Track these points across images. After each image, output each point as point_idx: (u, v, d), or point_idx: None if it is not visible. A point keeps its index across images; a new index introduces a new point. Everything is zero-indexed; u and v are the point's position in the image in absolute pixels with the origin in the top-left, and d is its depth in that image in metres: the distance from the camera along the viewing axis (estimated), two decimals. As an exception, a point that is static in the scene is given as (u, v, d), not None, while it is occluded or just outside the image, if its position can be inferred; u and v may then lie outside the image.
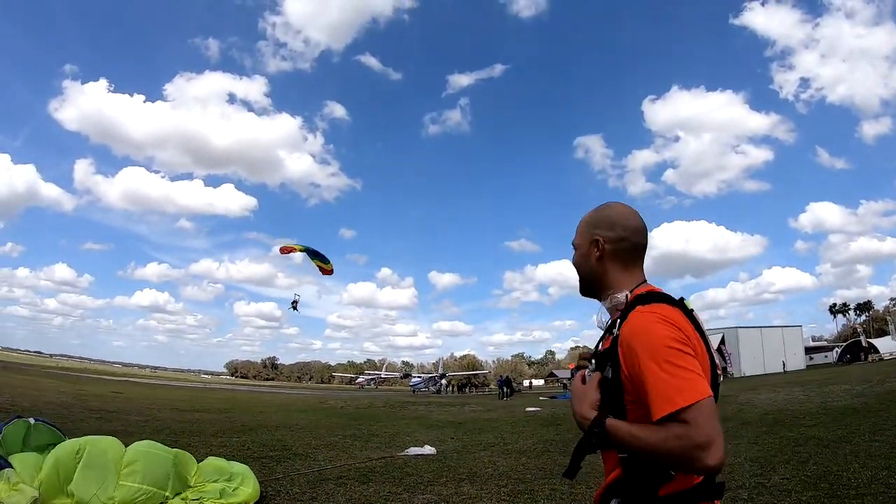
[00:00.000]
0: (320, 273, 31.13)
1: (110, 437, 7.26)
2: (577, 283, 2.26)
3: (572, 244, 2.26)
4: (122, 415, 18.72)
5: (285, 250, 29.89)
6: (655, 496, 1.84)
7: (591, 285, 2.21)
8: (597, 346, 2.16)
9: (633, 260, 2.17)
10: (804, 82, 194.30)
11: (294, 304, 32.88)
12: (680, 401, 1.69)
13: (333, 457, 11.64)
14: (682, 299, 2.04)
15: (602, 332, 2.15)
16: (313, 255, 29.33)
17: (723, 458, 1.66)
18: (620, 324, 1.95)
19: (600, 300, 2.19)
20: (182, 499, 6.75)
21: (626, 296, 2.05)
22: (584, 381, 2.05)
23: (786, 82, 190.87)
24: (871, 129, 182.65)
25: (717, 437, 1.65)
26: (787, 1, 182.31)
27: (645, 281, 2.16)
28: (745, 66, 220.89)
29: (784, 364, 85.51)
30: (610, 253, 2.14)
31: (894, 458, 8.80)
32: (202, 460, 7.80)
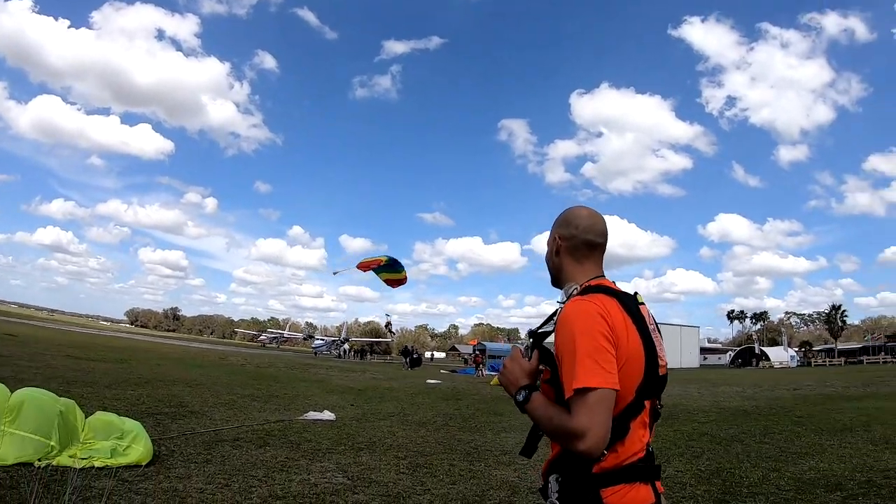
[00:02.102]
0: (387, 286, 29.57)
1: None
2: (551, 276, 2.44)
3: (546, 244, 2.46)
4: (14, 360, 17.86)
5: (366, 266, 28.09)
6: (589, 473, 1.96)
7: (556, 278, 2.39)
8: (539, 327, 2.27)
9: (584, 256, 2.32)
10: (731, 100, 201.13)
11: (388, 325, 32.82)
12: (574, 385, 1.87)
13: (231, 417, 11.32)
14: (635, 293, 2.26)
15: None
16: (389, 267, 28.29)
17: (592, 449, 1.83)
18: (556, 312, 2.18)
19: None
20: (70, 456, 6.33)
21: (576, 288, 2.21)
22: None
23: (713, 98, 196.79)
24: (787, 154, 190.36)
25: (593, 427, 1.82)
26: (726, 21, 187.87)
27: (600, 275, 2.31)
28: (677, 75, 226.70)
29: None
30: (565, 249, 2.34)
31: (783, 460, 9.08)
32: (93, 414, 7.36)
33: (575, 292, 2.18)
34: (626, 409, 1.98)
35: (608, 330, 1.97)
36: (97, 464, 6.29)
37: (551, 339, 2.15)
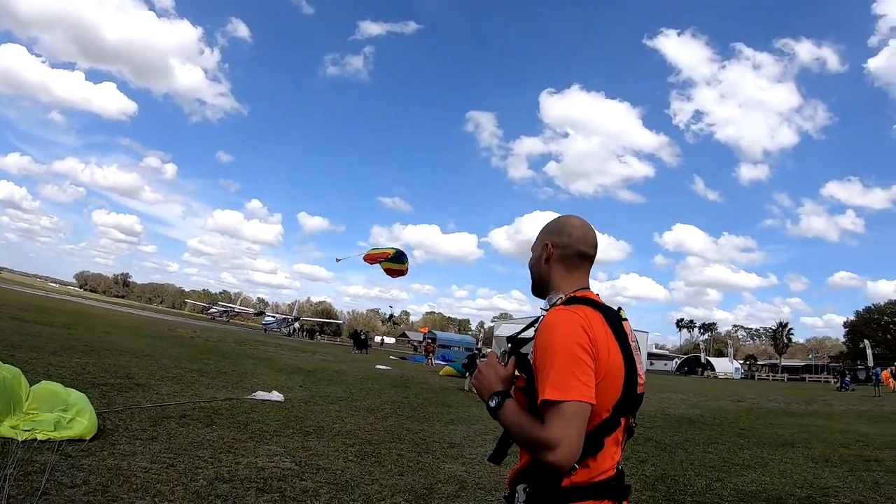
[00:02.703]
0: (387, 274, 29.86)
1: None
2: (533, 284, 2.40)
3: (531, 249, 2.40)
4: (-45, 319, 17.39)
5: (373, 259, 28.09)
6: (558, 486, 1.91)
7: (539, 286, 2.33)
8: (518, 333, 2.30)
9: (575, 266, 2.27)
10: (698, 115, 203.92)
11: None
12: (549, 394, 1.81)
13: (178, 392, 11.12)
14: (619, 309, 2.18)
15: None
16: (395, 259, 28.47)
17: (562, 461, 1.77)
18: (537, 319, 2.13)
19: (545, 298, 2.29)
20: (12, 427, 6.15)
21: (561, 297, 2.17)
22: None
23: (681, 110, 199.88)
24: (748, 173, 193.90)
25: (564, 440, 1.76)
26: (701, 38, 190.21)
27: (586, 287, 2.26)
28: (647, 85, 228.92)
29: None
30: (556, 258, 2.27)
31: (726, 471, 9.24)
32: (37, 382, 7.17)
33: (559, 302, 2.13)
34: (601, 424, 1.93)
35: (589, 343, 1.90)
36: (40, 436, 6.10)
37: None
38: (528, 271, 2.40)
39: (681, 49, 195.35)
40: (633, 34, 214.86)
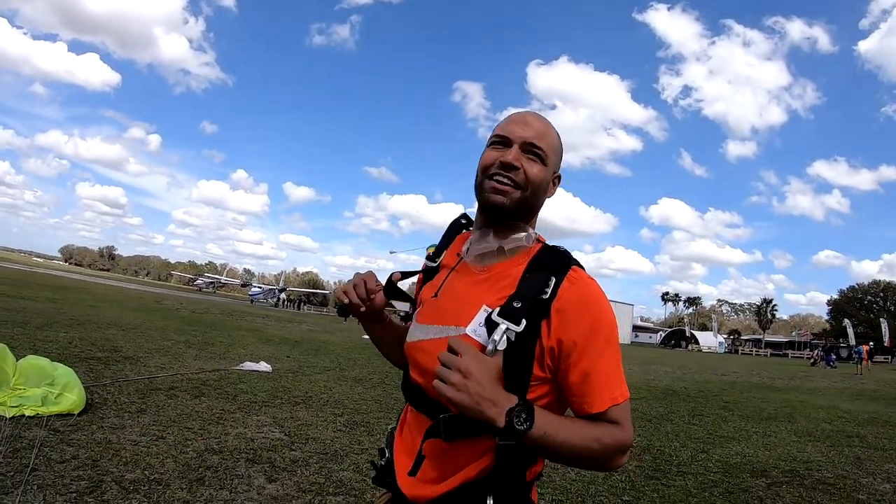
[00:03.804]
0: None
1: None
2: (521, 203, 1.57)
3: (538, 149, 1.57)
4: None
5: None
6: (524, 481, 1.50)
7: (526, 210, 1.59)
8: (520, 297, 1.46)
9: None
10: (686, 90, 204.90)
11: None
12: (619, 396, 1.42)
13: (165, 364, 11.10)
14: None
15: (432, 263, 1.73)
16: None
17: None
18: (547, 280, 1.45)
19: (507, 229, 1.58)
20: (0, 403, 6.14)
21: (534, 238, 1.61)
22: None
23: (669, 85, 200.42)
24: (735, 149, 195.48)
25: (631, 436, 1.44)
26: (691, 13, 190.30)
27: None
28: (636, 58, 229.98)
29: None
30: (553, 190, 1.70)
31: (711, 443, 9.35)
32: (23, 357, 7.11)
33: (530, 244, 1.60)
34: None
35: None
36: (28, 412, 6.07)
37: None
38: (525, 180, 1.55)
39: (671, 24, 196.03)
40: (623, 7, 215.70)
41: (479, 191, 1.57)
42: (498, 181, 1.53)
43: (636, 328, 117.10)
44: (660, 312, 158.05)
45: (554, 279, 1.45)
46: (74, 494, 4.35)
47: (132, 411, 7.02)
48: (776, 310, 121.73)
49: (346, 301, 1.72)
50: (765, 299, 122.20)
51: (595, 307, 1.46)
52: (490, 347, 1.35)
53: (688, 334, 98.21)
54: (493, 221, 1.58)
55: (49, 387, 6.48)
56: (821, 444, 9.90)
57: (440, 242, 1.75)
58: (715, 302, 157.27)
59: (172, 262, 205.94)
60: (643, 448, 8.46)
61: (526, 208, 1.58)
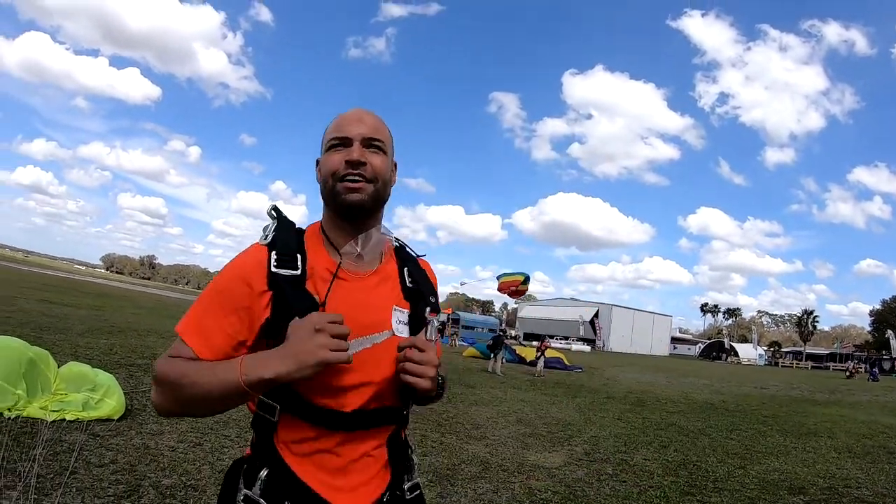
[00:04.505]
0: (510, 296, 34.64)
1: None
2: (375, 196, 1.57)
3: (378, 141, 1.59)
4: (-15, 302, 17.68)
5: (506, 286, 32.82)
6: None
7: (379, 203, 1.62)
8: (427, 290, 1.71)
9: None
10: (723, 97, 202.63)
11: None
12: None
13: (204, 372, 11.20)
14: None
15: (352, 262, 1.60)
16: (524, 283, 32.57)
17: None
18: (414, 271, 1.70)
19: (364, 226, 1.60)
20: (42, 407, 6.25)
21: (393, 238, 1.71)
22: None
23: (706, 93, 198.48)
24: (773, 157, 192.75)
25: None
26: (725, 18, 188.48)
27: None
28: (672, 66, 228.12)
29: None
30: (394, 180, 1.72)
31: (749, 457, 9.21)
32: (66, 363, 7.27)
33: (394, 242, 1.73)
34: None
35: None
36: (69, 417, 6.20)
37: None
38: (373, 172, 1.55)
39: (705, 30, 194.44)
40: (657, 15, 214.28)
41: (332, 195, 1.55)
42: (350, 180, 1.53)
43: (674, 340, 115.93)
44: (699, 324, 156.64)
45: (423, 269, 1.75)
46: (112, 498, 4.43)
47: (171, 419, 7.11)
48: (817, 321, 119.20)
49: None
50: (805, 310, 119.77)
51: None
52: (432, 338, 1.53)
53: (727, 346, 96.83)
54: (352, 220, 1.58)
55: (90, 392, 6.62)
56: (861, 461, 9.70)
57: (286, 249, 1.50)
58: (755, 313, 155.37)
59: (212, 271, 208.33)
60: (679, 463, 8.37)
61: (380, 200, 1.60)
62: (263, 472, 1.44)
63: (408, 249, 1.76)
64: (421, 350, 1.47)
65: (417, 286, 1.66)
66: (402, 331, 1.55)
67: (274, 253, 1.47)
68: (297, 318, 1.36)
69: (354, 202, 1.53)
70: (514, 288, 34.77)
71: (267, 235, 1.51)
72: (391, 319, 1.55)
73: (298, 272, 1.47)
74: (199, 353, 1.40)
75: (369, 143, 1.57)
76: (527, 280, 35.41)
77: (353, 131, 1.56)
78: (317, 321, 1.31)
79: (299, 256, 1.50)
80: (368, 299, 1.56)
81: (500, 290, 36.17)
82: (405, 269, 1.67)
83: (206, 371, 1.35)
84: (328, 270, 1.52)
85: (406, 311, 1.60)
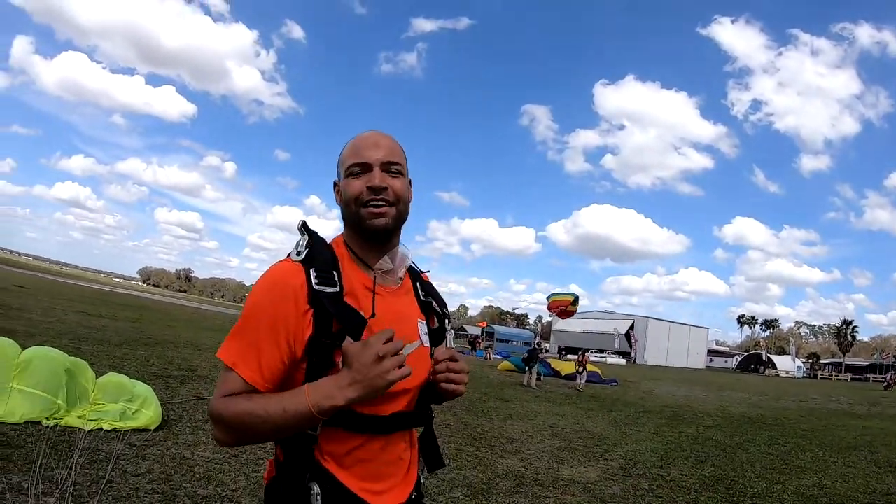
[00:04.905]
0: (559, 315, 36.61)
1: (5, 339, 6.77)
2: (398, 218, 1.63)
3: (396, 164, 1.64)
4: (26, 313, 18.07)
5: (556, 305, 34.99)
6: None
7: (402, 222, 1.67)
8: (444, 309, 1.83)
9: None
10: (756, 104, 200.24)
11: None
12: None
13: (239, 384, 11.29)
14: None
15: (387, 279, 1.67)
16: (572, 303, 34.53)
17: None
18: (424, 285, 1.82)
19: (389, 245, 1.66)
20: (80, 417, 6.36)
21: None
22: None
23: (739, 100, 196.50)
24: (809, 163, 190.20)
25: None
26: (755, 24, 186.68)
27: None
28: (703, 74, 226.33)
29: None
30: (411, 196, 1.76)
31: (787, 473, 9.04)
32: (103, 374, 7.38)
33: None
34: None
35: None
36: (106, 426, 6.29)
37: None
38: (395, 196, 1.60)
39: (736, 37, 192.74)
40: (686, 23, 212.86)
41: (357, 220, 1.60)
42: (374, 206, 1.57)
43: (711, 352, 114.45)
44: (735, 336, 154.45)
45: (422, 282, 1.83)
46: (148, 508, 4.47)
47: (206, 429, 7.16)
48: (857, 331, 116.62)
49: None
50: (844, 320, 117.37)
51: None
52: (451, 346, 1.77)
53: (765, 358, 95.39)
54: (380, 242, 1.64)
55: (127, 403, 6.71)
56: (903, 476, 9.47)
57: (325, 266, 1.53)
58: (793, 324, 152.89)
59: (247, 284, 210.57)
60: (716, 478, 8.23)
61: (402, 220, 1.67)
62: (316, 488, 1.45)
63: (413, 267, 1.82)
64: (456, 360, 1.65)
65: (430, 299, 1.78)
66: (426, 341, 1.68)
67: (313, 270, 1.48)
68: (349, 338, 1.41)
69: (380, 227, 1.59)
70: (563, 308, 35.66)
71: (300, 251, 1.53)
72: (418, 330, 1.67)
73: (337, 288, 1.50)
74: (254, 384, 1.42)
75: (388, 167, 1.61)
76: (576, 301, 36.31)
77: (372, 157, 1.61)
78: (379, 346, 1.35)
79: (335, 273, 1.52)
80: (400, 311, 1.65)
81: (549, 308, 37.25)
82: (417, 283, 1.79)
83: (273, 407, 1.37)
84: (365, 286, 1.58)
85: (425, 322, 1.72)
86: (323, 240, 1.62)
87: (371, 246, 1.63)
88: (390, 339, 1.36)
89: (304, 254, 1.52)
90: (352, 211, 1.60)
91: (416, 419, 1.66)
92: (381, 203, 1.57)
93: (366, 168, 1.60)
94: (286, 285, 1.46)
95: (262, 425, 1.37)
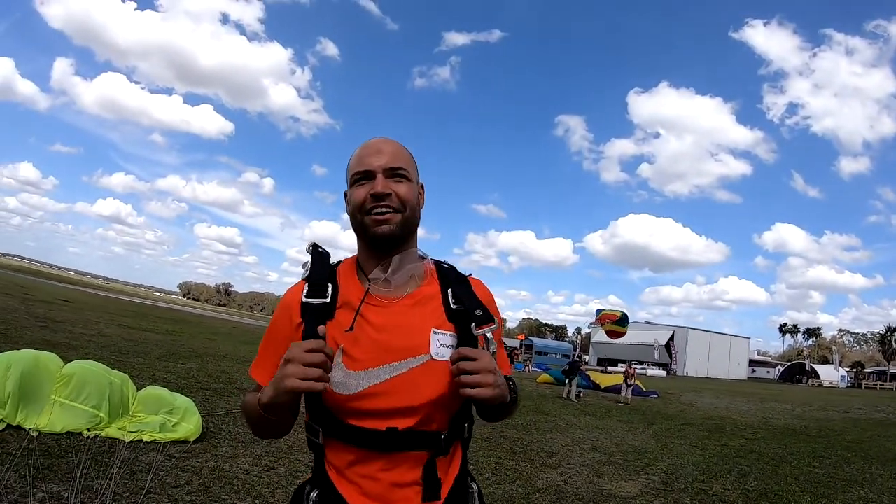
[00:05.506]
0: (610, 335, 37.57)
1: (48, 353, 6.89)
2: (405, 224, 1.59)
3: (400, 169, 1.61)
4: (68, 326, 18.41)
5: (604, 319, 36.12)
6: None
7: (411, 228, 1.64)
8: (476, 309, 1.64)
9: None
10: (792, 107, 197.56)
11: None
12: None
13: (277, 396, 11.37)
14: None
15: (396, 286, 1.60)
16: (620, 322, 34.93)
17: None
18: (459, 292, 1.65)
19: (400, 250, 1.61)
20: (120, 428, 6.45)
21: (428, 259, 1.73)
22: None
23: (774, 104, 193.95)
24: (848, 166, 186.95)
25: None
26: (788, 26, 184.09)
27: None
28: (738, 79, 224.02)
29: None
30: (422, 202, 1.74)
31: (833, 486, 8.85)
32: (144, 386, 7.49)
33: (430, 264, 1.71)
34: None
35: None
36: (146, 438, 6.36)
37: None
38: (399, 201, 1.58)
39: (769, 39, 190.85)
40: (718, 27, 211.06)
41: (362, 228, 1.59)
42: (377, 213, 1.56)
43: (752, 363, 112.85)
44: (777, 345, 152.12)
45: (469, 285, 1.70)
46: (188, 521, 4.50)
47: (245, 441, 7.21)
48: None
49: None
50: (889, 327, 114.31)
51: (495, 301, 1.75)
52: (491, 348, 1.56)
53: (808, 368, 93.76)
54: (386, 251, 1.60)
55: (168, 415, 6.79)
56: (955, 490, 9.20)
57: (318, 279, 1.58)
58: (836, 332, 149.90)
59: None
60: (760, 492, 8.08)
61: (409, 227, 1.62)
62: (314, 494, 1.51)
63: (456, 270, 1.76)
64: (472, 359, 1.44)
65: (462, 306, 1.62)
66: (444, 354, 1.53)
67: (307, 285, 1.57)
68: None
69: (385, 234, 1.57)
70: (612, 327, 35.96)
71: (306, 271, 1.61)
72: (429, 343, 1.54)
73: (328, 300, 1.54)
74: (262, 384, 1.56)
75: (392, 172, 1.60)
76: (625, 320, 36.38)
77: (375, 163, 1.60)
78: (292, 351, 1.36)
79: (330, 286, 1.57)
80: (402, 323, 1.56)
81: (599, 321, 37.53)
82: (449, 291, 1.65)
83: (253, 398, 1.52)
84: (358, 298, 1.56)
85: (449, 333, 1.57)
86: (327, 257, 1.66)
87: (379, 255, 1.61)
88: (314, 349, 1.34)
89: (307, 272, 1.60)
90: (357, 220, 1.60)
91: (420, 441, 1.49)
92: (385, 210, 1.56)
93: (369, 176, 1.59)
94: (287, 301, 1.59)
95: (250, 414, 1.54)
